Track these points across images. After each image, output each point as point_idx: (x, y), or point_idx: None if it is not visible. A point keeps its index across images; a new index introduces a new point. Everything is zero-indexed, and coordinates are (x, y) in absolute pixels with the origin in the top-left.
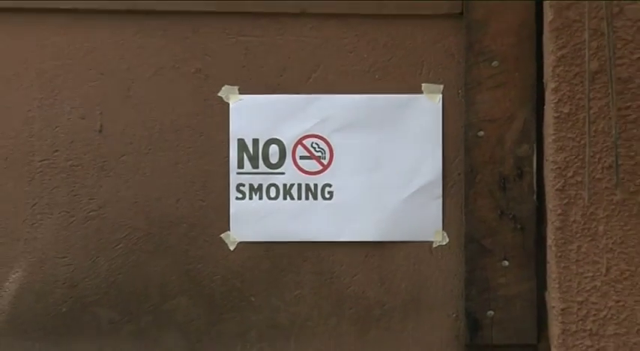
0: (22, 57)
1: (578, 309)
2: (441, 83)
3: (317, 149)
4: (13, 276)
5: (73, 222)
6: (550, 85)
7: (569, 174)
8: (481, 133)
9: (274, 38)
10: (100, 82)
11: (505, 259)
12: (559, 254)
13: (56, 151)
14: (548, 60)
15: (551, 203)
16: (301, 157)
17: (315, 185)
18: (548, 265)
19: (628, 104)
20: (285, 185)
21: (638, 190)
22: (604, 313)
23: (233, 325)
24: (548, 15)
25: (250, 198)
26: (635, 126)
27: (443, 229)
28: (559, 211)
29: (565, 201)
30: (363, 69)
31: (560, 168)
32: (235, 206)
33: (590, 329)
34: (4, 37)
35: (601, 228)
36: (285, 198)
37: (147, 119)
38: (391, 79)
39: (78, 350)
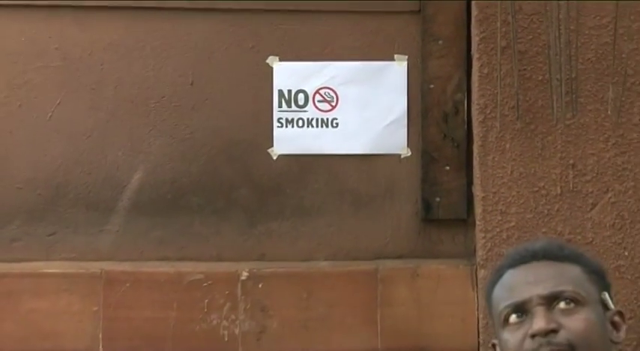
0: (140, 37)
1: (492, 196)
2: (406, 55)
3: (328, 96)
4: (136, 176)
5: (174, 142)
6: (475, 55)
7: (488, 111)
8: (432, 86)
9: (301, 26)
10: (191, 53)
11: (447, 165)
12: (481, 162)
13: (163, 96)
14: (474, 40)
15: (476, 130)
16: (318, 101)
17: (327, 119)
18: (474, 169)
19: (525, 67)
20: (308, 119)
21: (531, 121)
22: (509, 199)
23: (275, 206)
24: (474, 11)
25: (286, 127)
26: (530, 81)
27: (407, 146)
28: (481, 135)
29: (485, 128)
30: (357, 46)
31: (481, 107)
32: (277, 132)
33: (500, 209)
34: (130, 25)
35: (507, 145)
36: (308, 127)
37: (220, 77)
38: (375, 52)
39: (177, 222)
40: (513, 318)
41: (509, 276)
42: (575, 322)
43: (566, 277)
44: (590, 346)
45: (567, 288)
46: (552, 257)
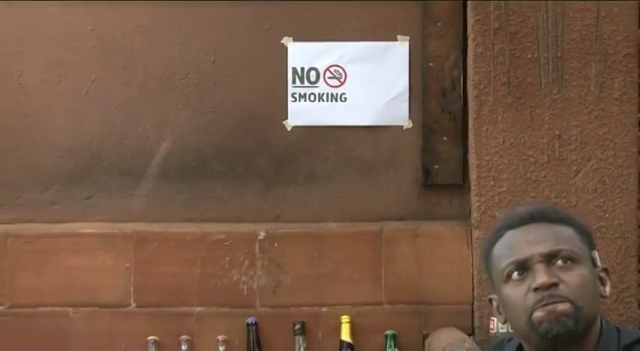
0: (167, 20)
1: (486, 164)
2: (408, 36)
3: (337, 73)
4: (164, 146)
5: (198, 115)
6: (471, 36)
7: (482, 87)
8: (431, 64)
9: (313, 9)
10: (213, 35)
11: (445, 136)
12: (475, 133)
13: (188, 74)
14: (469, 22)
15: (471, 104)
16: (328, 77)
17: (336, 93)
18: (469, 139)
19: (515, 47)
20: (319, 94)
21: (521, 96)
22: (501, 166)
23: (289, 173)
24: None
25: (299, 101)
26: (520, 59)
27: (409, 118)
28: (476, 108)
29: (479, 102)
30: (364, 27)
31: (476, 83)
32: (291, 106)
33: (493, 175)
34: (158, 9)
35: (499, 117)
36: (319, 101)
37: (240, 56)
38: (380, 33)
39: (201, 187)
40: (515, 275)
41: (510, 236)
42: (572, 278)
43: (563, 237)
44: (584, 299)
45: (565, 247)
46: (548, 219)
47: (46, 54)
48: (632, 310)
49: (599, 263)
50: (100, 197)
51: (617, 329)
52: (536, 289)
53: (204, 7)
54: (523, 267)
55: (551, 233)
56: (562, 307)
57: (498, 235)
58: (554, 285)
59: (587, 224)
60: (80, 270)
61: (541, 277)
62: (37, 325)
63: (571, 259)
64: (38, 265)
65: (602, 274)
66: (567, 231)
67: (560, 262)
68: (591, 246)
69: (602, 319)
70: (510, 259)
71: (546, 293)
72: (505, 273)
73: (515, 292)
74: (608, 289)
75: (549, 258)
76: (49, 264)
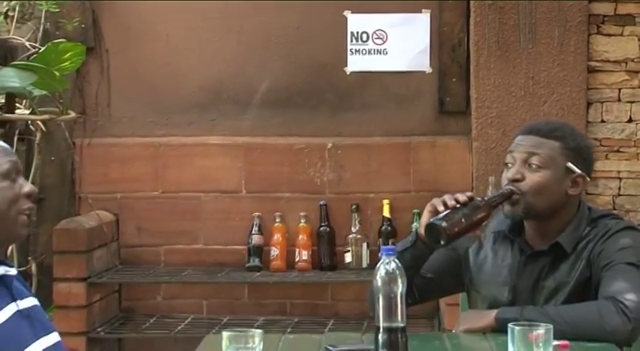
0: (263, 1)
1: (482, 97)
2: (430, 9)
3: (381, 35)
4: (263, 85)
5: (287, 63)
6: (472, 9)
7: (480, 44)
8: (445, 28)
9: None
10: (297, 9)
11: (454, 78)
12: (475, 76)
13: (280, 35)
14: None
15: (472, 56)
16: (375, 38)
17: (381, 49)
18: (470, 80)
19: (503, 16)
20: (369, 49)
21: (506, 50)
22: (492, 98)
23: (348, 103)
24: None
25: (355, 54)
26: (506, 25)
27: (430, 65)
28: (475, 59)
29: (478, 55)
30: (399, 4)
31: (476, 42)
32: (349, 57)
33: (486, 105)
34: None
35: (492, 65)
36: (369, 54)
37: (315, 23)
38: (411, 8)
39: (289, 113)
40: (508, 164)
41: (517, 138)
42: (533, 177)
43: (543, 147)
44: (539, 194)
45: (538, 151)
46: (542, 134)
47: (184, 22)
48: None
49: (576, 171)
50: (221, 119)
51: (589, 208)
52: (507, 179)
53: None
54: (512, 160)
55: (536, 142)
56: (515, 198)
57: (515, 135)
58: (517, 180)
59: (581, 144)
60: (208, 168)
61: (511, 170)
62: (179, 204)
63: (540, 163)
64: (180, 165)
65: (578, 179)
66: (552, 144)
67: (532, 163)
68: (572, 159)
69: (581, 205)
70: (507, 153)
71: (511, 184)
72: (504, 161)
73: (503, 175)
74: (578, 190)
75: (525, 158)
76: (187, 164)
